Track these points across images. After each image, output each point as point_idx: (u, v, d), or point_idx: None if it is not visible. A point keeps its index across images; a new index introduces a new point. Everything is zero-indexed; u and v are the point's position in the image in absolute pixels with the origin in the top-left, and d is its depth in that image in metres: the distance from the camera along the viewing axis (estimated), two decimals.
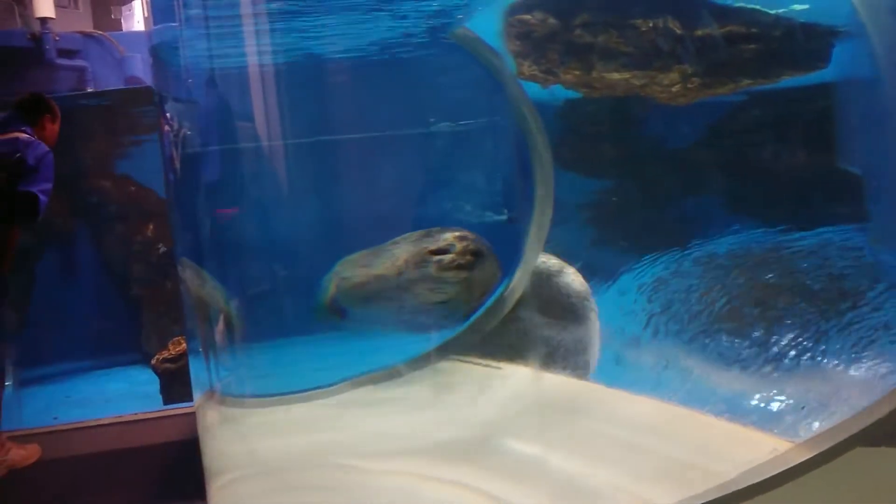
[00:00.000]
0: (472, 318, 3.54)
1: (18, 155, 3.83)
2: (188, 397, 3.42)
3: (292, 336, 2.82)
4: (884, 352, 2.39)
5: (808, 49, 3.12)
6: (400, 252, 3.13)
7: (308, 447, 2.71)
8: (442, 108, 3.31)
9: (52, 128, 4.28)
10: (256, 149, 2.54)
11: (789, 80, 3.17)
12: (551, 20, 3.59)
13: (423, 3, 3.21)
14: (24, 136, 4.03)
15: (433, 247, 3.08)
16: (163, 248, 6.61)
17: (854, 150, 2.94)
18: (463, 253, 3.05)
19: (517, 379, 3.24)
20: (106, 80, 6.84)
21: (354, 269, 3.20)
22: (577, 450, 2.60)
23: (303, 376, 2.97)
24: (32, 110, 4.21)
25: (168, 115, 2.51)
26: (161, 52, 2.53)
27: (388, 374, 3.19)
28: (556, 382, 3.09)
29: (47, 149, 4.02)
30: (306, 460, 2.66)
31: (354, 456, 2.68)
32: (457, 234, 3.13)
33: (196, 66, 2.49)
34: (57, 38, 6.67)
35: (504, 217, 3.69)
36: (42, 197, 3.88)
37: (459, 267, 3.02)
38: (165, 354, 5.49)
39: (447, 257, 3.03)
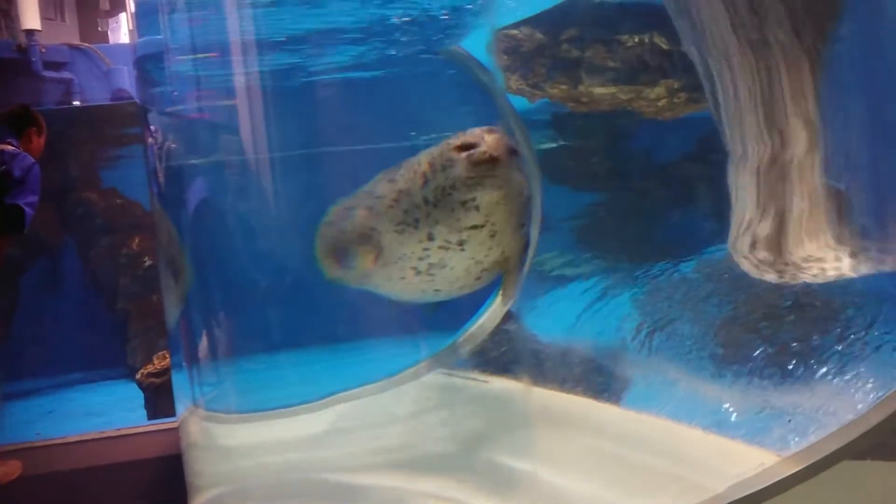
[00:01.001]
0: (462, 332, 3.53)
1: (4, 167, 3.82)
2: (173, 412, 3.39)
3: (277, 351, 2.80)
4: (869, 365, 2.40)
5: None
6: (422, 157, 2.49)
7: (293, 462, 2.68)
8: (431, 122, 3.32)
9: (39, 140, 4.26)
10: (243, 162, 2.53)
11: None
12: (538, 35, 3.62)
13: (415, 23, 3.22)
14: (10, 148, 4.01)
15: (459, 142, 2.39)
16: (149, 262, 6.57)
17: (838, 165, 2.97)
18: (496, 146, 2.35)
19: (506, 393, 3.23)
20: (92, 92, 6.83)
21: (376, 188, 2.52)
22: (565, 463, 2.60)
23: (288, 391, 2.94)
24: (18, 123, 4.20)
25: (152, 127, 2.50)
26: (145, 65, 2.52)
27: (381, 387, 3.18)
28: (546, 396, 3.08)
29: (33, 161, 4.00)
30: (291, 475, 2.63)
31: (340, 470, 2.66)
32: (485, 128, 2.46)
33: (180, 78, 2.48)
34: (43, 50, 6.66)
35: None
36: (28, 209, 3.86)
37: (493, 160, 2.31)
38: (150, 369, 5.45)
39: (478, 150, 2.34)
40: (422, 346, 3.36)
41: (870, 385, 2.32)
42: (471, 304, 3.59)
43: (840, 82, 2.69)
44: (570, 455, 2.66)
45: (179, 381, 2.53)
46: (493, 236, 2.47)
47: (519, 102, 3.65)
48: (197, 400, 2.53)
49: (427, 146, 2.96)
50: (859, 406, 2.17)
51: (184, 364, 2.51)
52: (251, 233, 2.72)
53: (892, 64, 2.52)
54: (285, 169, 2.61)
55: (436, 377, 3.38)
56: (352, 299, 3.02)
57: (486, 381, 3.34)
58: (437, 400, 3.28)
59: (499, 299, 3.47)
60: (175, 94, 2.51)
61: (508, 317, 3.49)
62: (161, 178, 2.51)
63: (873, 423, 2.04)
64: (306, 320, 2.85)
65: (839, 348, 2.57)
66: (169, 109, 2.57)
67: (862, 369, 2.41)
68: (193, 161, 2.64)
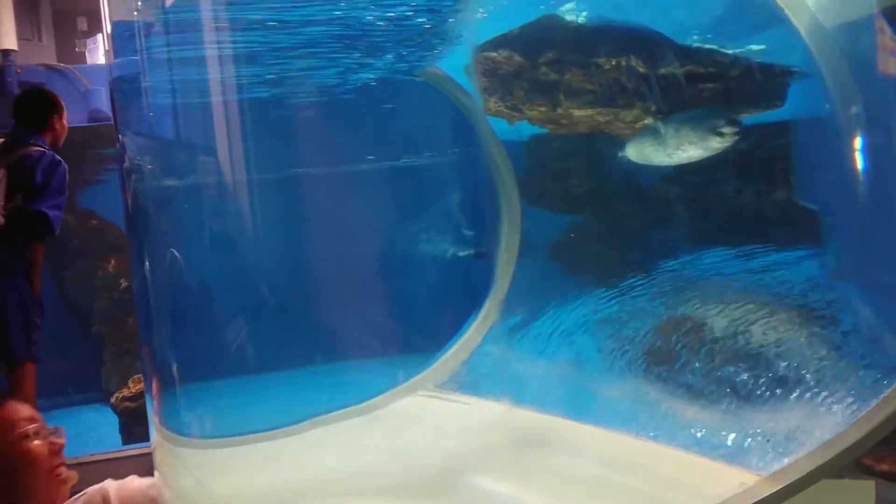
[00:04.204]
0: (442, 353, 3.52)
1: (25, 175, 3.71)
2: (148, 437, 3.32)
3: (253, 373, 2.77)
4: (844, 385, 2.42)
5: (765, 88, 3.22)
6: None
7: (270, 488, 2.64)
8: (409, 144, 3.34)
9: (62, 123, 4.15)
10: (219, 183, 2.52)
11: (748, 118, 3.25)
12: (517, 58, 3.65)
13: (392, 44, 3.26)
14: (36, 150, 3.90)
15: None
16: (125, 284, 6.50)
17: (810, 186, 3.02)
18: None
19: (487, 414, 3.21)
20: (69, 112, 6.76)
21: None
22: (547, 486, 2.58)
23: (263, 415, 2.90)
24: (36, 115, 4.05)
25: (127, 148, 2.48)
26: (121, 86, 2.51)
27: (360, 409, 3.14)
28: (527, 418, 3.07)
29: (56, 160, 3.90)
30: (268, 501, 2.59)
31: (319, 496, 2.62)
32: None
33: (157, 100, 2.48)
34: (19, 71, 6.60)
35: (472, 252, 3.71)
36: (54, 212, 3.79)
37: None
38: (125, 392, 5.36)
39: None
40: (401, 368, 3.34)
41: (846, 404, 2.34)
42: (451, 324, 3.58)
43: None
44: (552, 477, 2.65)
45: (152, 405, 2.49)
46: None
47: (498, 124, 3.68)
48: (170, 424, 2.49)
49: (406, 167, 2.97)
50: (836, 425, 2.19)
51: (155, 385, 2.47)
52: (226, 254, 2.70)
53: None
54: (262, 190, 2.61)
55: (416, 399, 3.35)
56: (330, 321, 3.00)
57: (468, 404, 3.33)
58: (417, 423, 3.25)
59: (479, 319, 3.47)
60: (151, 115, 2.51)
61: (489, 336, 3.49)
62: (135, 200, 2.49)
63: (850, 442, 2.06)
64: (282, 343, 2.83)
65: (816, 366, 2.60)
66: (144, 131, 2.57)
67: (838, 388, 2.44)
68: (168, 182, 2.63)
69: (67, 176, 4.05)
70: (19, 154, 4.00)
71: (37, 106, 4.21)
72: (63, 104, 4.30)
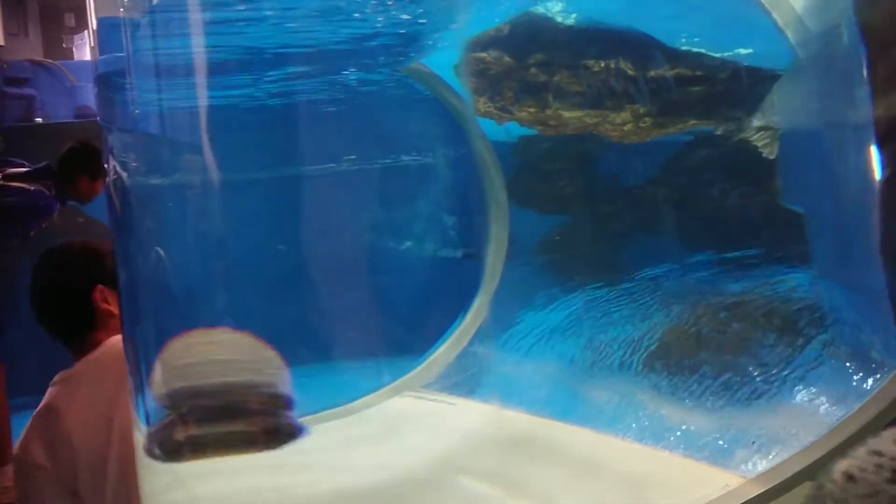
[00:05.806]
0: (429, 354, 3.51)
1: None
2: None
3: None
4: (828, 387, 2.44)
5: (752, 91, 3.24)
6: None
7: (251, 489, 2.62)
8: (397, 144, 3.33)
9: (91, 186, 4.17)
10: (204, 182, 2.50)
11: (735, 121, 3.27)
12: (506, 58, 3.65)
13: (377, 39, 3.25)
14: (34, 187, 3.95)
15: None
16: None
17: (796, 189, 3.04)
18: None
19: (475, 415, 3.21)
20: (56, 109, 6.71)
21: None
22: (533, 488, 2.58)
23: None
24: (65, 165, 4.11)
25: (112, 146, 2.46)
26: (106, 82, 2.49)
27: (346, 410, 3.13)
28: (514, 419, 3.07)
29: (44, 204, 3.94)
30: (250, 502, 2.57)
31: (302, 497, 2.60)
32: None
33: (142, 97, 2.46)
34: (5, 66, 6.54)
35: (460, 253, 3.71)
36: None
37: None
38: None
39: None
40: (388, 369, 3.33)
41: (830, 406, 2.36)
42: (439, 325, 3.58)
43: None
44: (538, 479, 2.65)
45: (134, 404, 2.47)
46: None
47: (486, 125, 3.68)
48: (151, 423, 2.47)
49: (394, 167, 2.96)
50: (821, 427, 2.20)
51: (136, 384, 2.45)
52: (212, 253, 2.68)
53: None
54: (249, 190, 2.60)
55: (403, 400, 3.34)
56: (316, 321, 2.98)
57: (455, 405, 3.32)
58: (404, 424, 3.24)
59: (467, 320, 3.46)
60: (136, 112, 2.49)
61: (477, 336, 3.49)
62: (120, 197, 2.47)
63: (833, 445, 2.07)
64: (268, 343, 2.81)
65: (801, 369, 2.61)
66: (129, 128, 2.55)
67: (823, 390, 2.45)
68: (153, 180, 2.61)
69: (44, 221, 4.08)
70: (20, 185, 4.09)
71: (69, 159, 4.24)
72: (103, 170, 4.30)
